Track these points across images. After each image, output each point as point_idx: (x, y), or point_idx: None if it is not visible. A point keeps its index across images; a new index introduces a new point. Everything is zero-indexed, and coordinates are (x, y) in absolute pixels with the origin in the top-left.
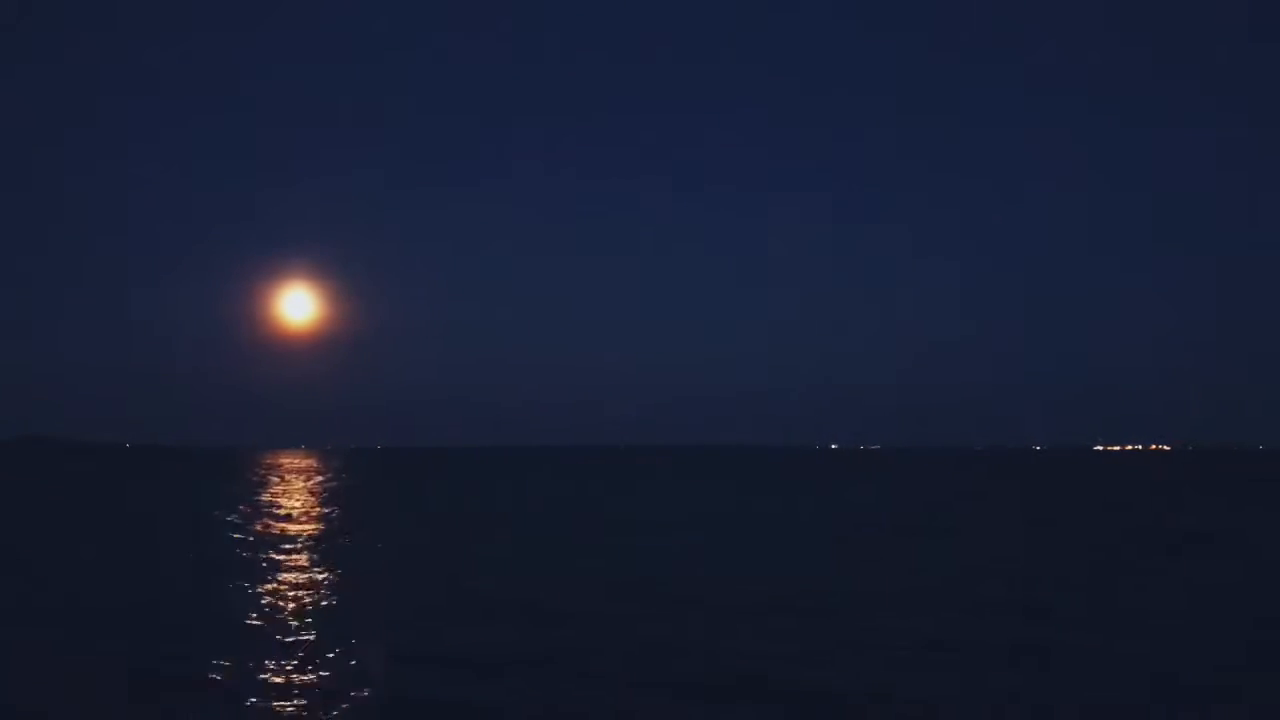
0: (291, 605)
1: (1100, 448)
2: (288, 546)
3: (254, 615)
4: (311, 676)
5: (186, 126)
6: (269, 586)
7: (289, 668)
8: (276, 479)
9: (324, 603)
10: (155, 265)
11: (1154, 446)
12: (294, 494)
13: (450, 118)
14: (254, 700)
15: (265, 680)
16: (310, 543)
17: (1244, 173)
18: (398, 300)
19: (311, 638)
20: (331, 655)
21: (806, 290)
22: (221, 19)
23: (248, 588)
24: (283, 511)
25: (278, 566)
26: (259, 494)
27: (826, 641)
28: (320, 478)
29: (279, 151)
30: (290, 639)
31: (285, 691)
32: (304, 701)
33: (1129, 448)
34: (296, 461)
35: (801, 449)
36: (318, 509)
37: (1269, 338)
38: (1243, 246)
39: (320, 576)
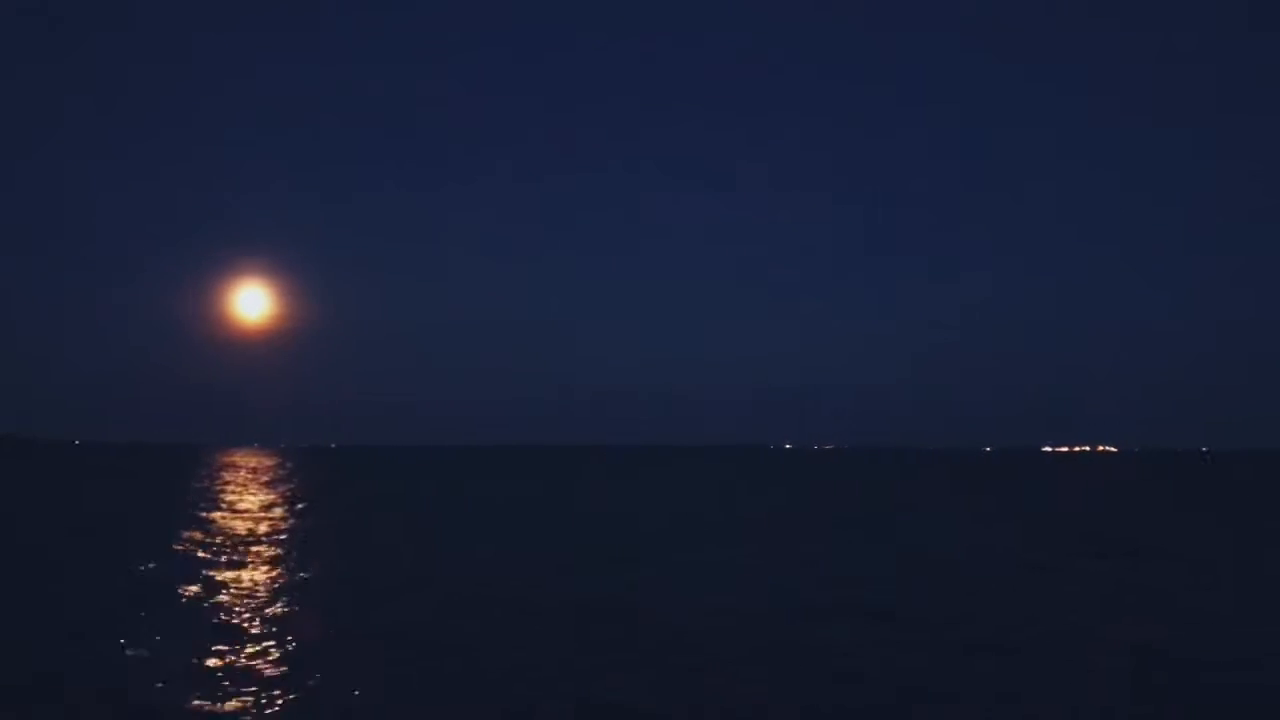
0: (220, 617)
1: (1049, 449)
2: (226, 550)
3: (181, 627)
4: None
5: (139, 124)
6: (200, 595)
7: (207, 691)
8: (226, 477)
9: (259, 618)
10: (105, 263)
11: (1100, 448)
12: (241, 494)
13: (417, 118)
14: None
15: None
16: (252, 546)
17: (1230, 171)
18: (355, 298)
19: (242, 660)
20: (257, 680)
21: (774, 291)
22: (189, 20)
23: (179, 596)
24: (224, 513)
25: (213, 574)
26: (204, 493)
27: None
28: (271, 477)
29: (234, 150)
30: (217, 659)
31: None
32: None
33: (1077, 449)
34: (248, 459)
35: (756, 447)
36: (265, 510)
37: (1224, 340)
38: (1211, 248)
39: (260, 587)
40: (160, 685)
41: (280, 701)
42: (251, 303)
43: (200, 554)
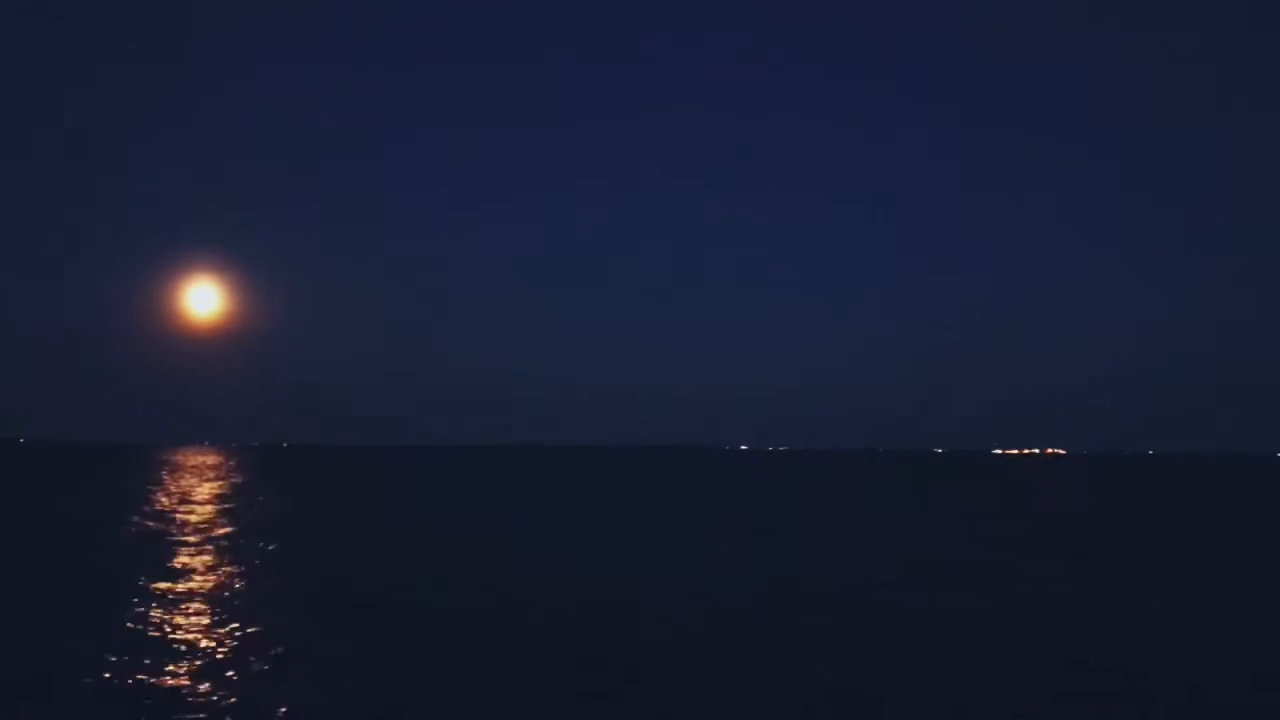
0: (156, 626)
1: (999, 451)
2: (167, 554)
3: (113, 635)
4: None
5: (88, 117)
6: (130, 601)
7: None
8: (173, 478)
9: (188, 624)
10: (53, 258)
11: (1049, 451)
12: (186, 496)
13: (368, 116)
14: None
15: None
16: (193, 550)
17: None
18: (307, 295)
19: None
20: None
21: (726, 290)
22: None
23: (103, 601)
24: (168, 515)
25: (142, 578)
26: (149, 494)
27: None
28: (220, 477)
29: (185, 142)
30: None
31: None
32: None
33: (1026, 451)
34: (198, 459)
35: (711, 449)
36: (209, 512)
37: (1166, 343)
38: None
39: (196, 597)
40: (73, 698)
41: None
42: (203, 301)
43: (129, 556)
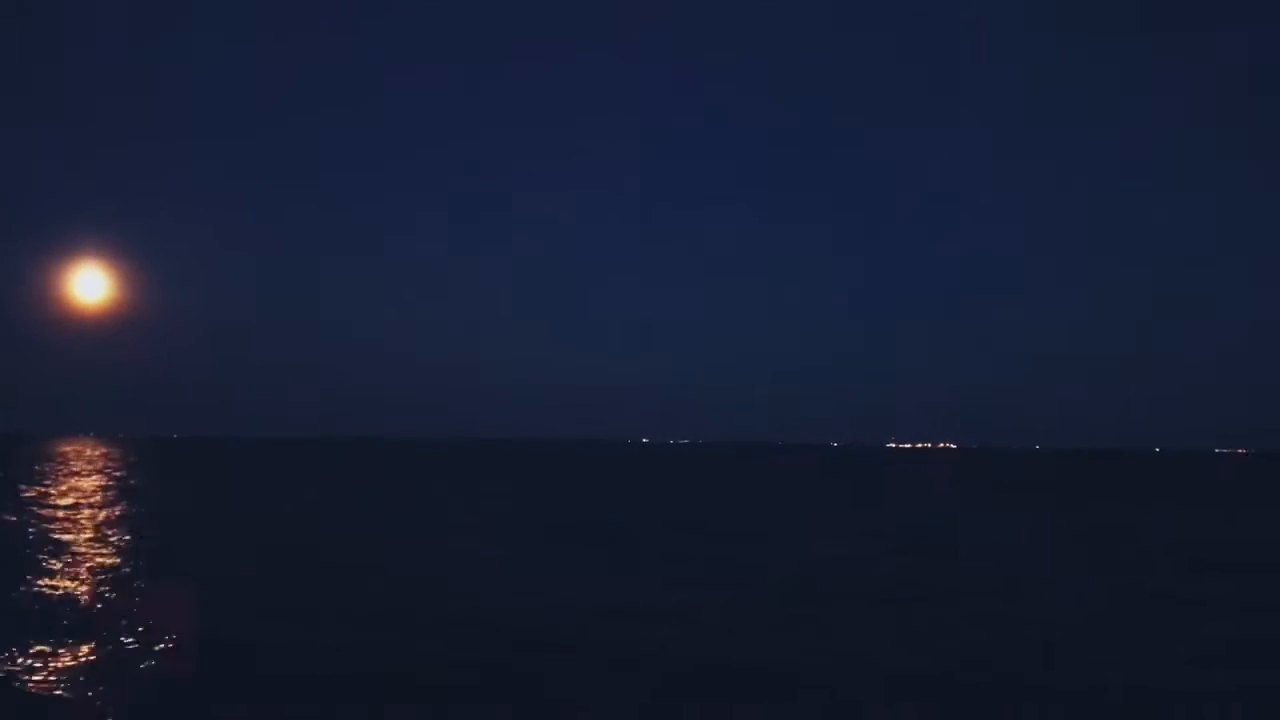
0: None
1: (892, 445)
2: (48, 551)
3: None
4: None
5: None
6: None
7: None
8: (54, 470)
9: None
10: None
11: (941, 445)
12: (68, 489)
13: (278, 103)
14: None
15: None
16: (75, 546)
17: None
18: (202, 282)
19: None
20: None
21: (631, 285)
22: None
23: None
24: (50, 510)
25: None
26: (27, 489)
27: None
28: (107, 469)
29: (74, 119)
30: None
31: None
32: None
33: (919, 446)
34: (74, 449)
35: (612, 443)
36: (92, 505)
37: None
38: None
39: (78, 584)
40: None
41: None
42: (90, 285)
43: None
